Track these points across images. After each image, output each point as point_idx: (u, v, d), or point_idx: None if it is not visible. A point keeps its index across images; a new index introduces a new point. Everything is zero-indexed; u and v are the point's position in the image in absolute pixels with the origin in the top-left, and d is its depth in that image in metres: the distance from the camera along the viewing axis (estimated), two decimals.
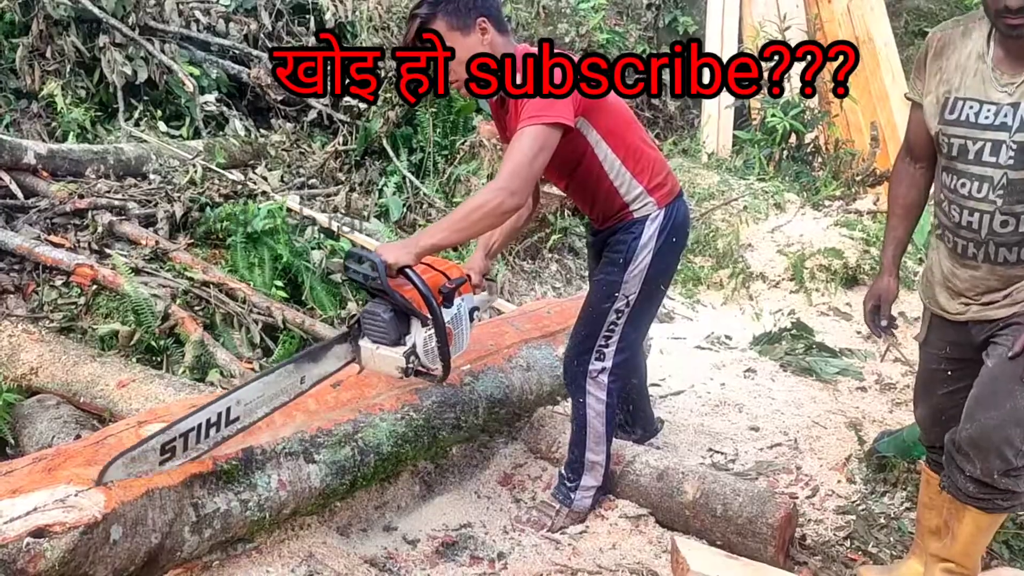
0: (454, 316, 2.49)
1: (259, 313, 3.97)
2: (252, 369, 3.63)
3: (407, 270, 2.30)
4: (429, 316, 2.36)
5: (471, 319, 2.62)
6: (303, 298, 4.31)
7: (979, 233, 2.10)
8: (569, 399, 2.88)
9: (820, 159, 7.04)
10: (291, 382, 2.31)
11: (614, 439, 2.86)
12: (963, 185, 2.10)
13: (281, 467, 2.31)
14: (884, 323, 2.41)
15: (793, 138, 6.93)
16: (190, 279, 3.98)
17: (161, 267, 4.04)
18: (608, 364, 2.67)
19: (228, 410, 2.17)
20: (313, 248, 4.45)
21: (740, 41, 7.71)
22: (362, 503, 2.75)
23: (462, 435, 2.92)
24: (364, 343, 2.43)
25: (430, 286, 2.36)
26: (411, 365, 2.37)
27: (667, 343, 4.56)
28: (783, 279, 5.35)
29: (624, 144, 2.53)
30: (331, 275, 4.45)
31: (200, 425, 2.12)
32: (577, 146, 2.47)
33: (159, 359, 3.58)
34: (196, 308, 3.89)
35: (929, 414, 2.41)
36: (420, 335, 2.39)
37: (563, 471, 2.84)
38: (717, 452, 3.37)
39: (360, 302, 4.41)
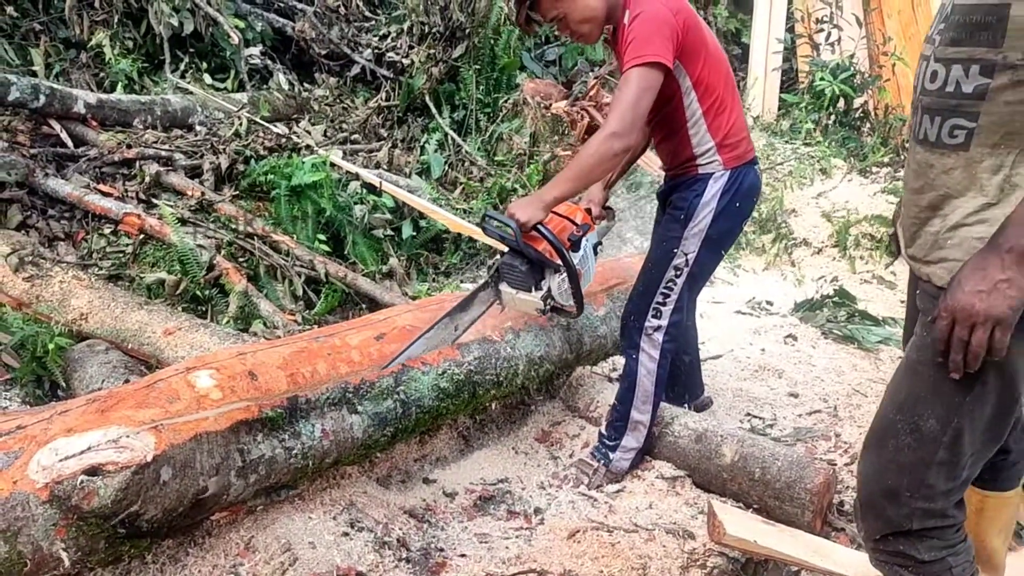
0: (582, 257, 2.64)
1: (302, 266, 4.01)
2: (295, 321, 3.68)
3: (539, 226, 2.47)
4: (562, 264, 2.55)
5: (595, 253, 2.80)
6: (345, 252, 4.34)
7: (915, 93, 1.61)
8: (617, 358, 2.90)
9: (869, 124, 6.88)
10: (448, 332, 2.67)
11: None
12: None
13: (325, 417, 2.34)
14: None
15: (841, 102, 6.77)
16: (235, 230, 4.02)
17: (206, 218, 4.08)
18: (664, 323, 2.67)
19: (404, 367, 2.52)
20: (355, 203, 4.47)
21: (790, 1, 7.51)
22: (402, 455, 2.79)
23: (502, 391, 2.93)
24: (504, 288, 2.65)
25: (559, 236, 2.55)
26: (548, 305, 2.59)
27: (708, 307, 4.52)
28: (827, 246, 5.27)
29: (712, 96, 2.53)
30: (372, 230, 4.47)
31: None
32: (669, 86, 2.47)
33: (204, 308, 3.64)
34: (240, 259, 3.94)
35: None
36: (555, 280, 2.59)
37: (603, 431, 2.85)
38: (755, 417, 3.35)
39: (401, 257, 4.42)
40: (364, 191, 4.58)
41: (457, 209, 4.87)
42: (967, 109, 1.46)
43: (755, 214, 5.49)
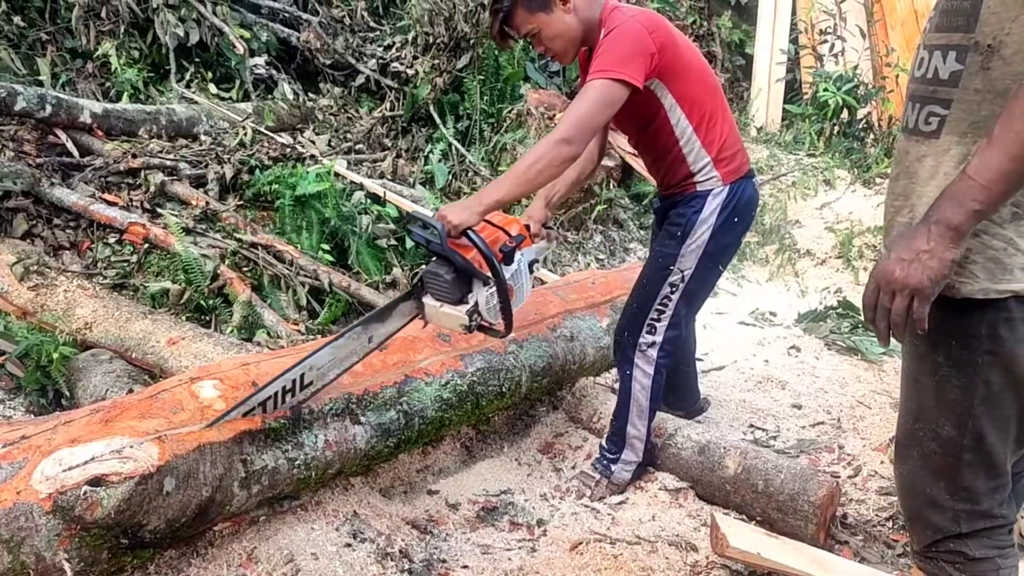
0: (515, 272, 2.50)
1: (306, 276, 4.01)
2: (298, 331, 3.68)
3: (469, 232, 2.31)
4: (491, 276, 2.39)
5: (531, 271, 2.63)
6: (349, 262, 4.34)
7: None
8: (615, 370, 2.88)
9: (872, 135, 6.89)
10: (359, 343, 2.37)
11: (657, 412, 2.87)
12: None
13: (328, 427, 2.34)
14: None
15: (845, 113, 6.78)
16: (239, 240, 4.03)
17: (211, 227, 4.09)
18: (658, 339, 2.66)
19: (302, 376, 2.25)
20: (360, 212, 4.48)
21: (794, 12, 7.53)
22: (405, 466, 2.79)
23: (505, 402, 2.93)
24: (428, 300, 2.46)
25: (491, 245, 2.39)
26: (474, 322, 2.40)
27: (711, 318, 4.52)
28: (830, 256, 5.27)
29: (700, 112, 2.49)
30: (377, 240, 4.48)
31: (276, 393, 2.19)
32: (650, 106, 2.45)
33: (208, 318, 3.65)
34: (244, 269, 3.94)
35: None
36: (482, 294, 2.41)
37: (604, 443, 2.85)
38: (759, 428, 3.35)
39: (405, 267, 4.43)
40: (368, 201, 4.59)
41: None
42: (941, 96, 1.46)
43: (759, 225, 5.49)
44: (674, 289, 2.60)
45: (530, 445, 3.08)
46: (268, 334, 3.53)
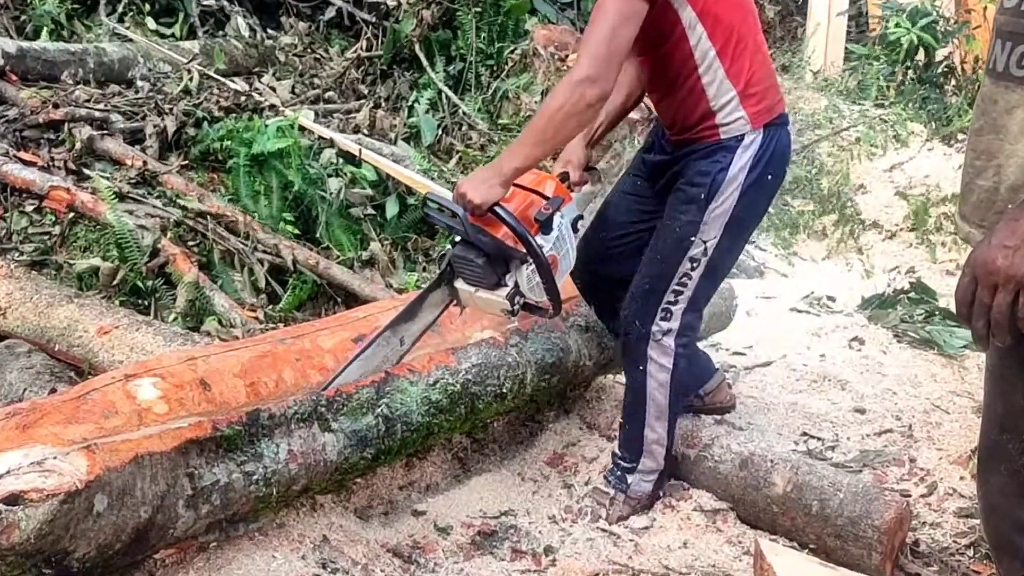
0: (556, 239, 2.54)
1: (265, 251, 4.02)
2: (255, 318, 3.69)
3: (496, 208, 2.37)
4: (527, 254, 2.45)
5: (575, 230, 2.68)
6: (317, 235, 4.35)
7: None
8: (624, 369, 2.87)
9: (954, 81, 6.86)
10: (390, 349, 2.55)
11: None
12: None
13: (292, 435, 2.35)
14: None
15: (921, 54, 6.74)
16: (183, 208, 4.03)
17: (150, 193, 4.09)
18: (675, 325, 2.65)
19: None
20: (330, 175, 4.48)
21: None
22: (385, 482, 2.80)
23: (505, 406, 2.94)
24: (461, 285, 2.55)
25: (523, 217, 2.45)
26: (517, 304, 2.50)
27: (756, 303, 4.52)
28: (901, 229, 5.26)
29: (727, 32, 2.45)
30: (350, 208, 4.48)
31: None
32: (666, 19, 2.40)
33: (146, 302, 3.66)
34: (190, 243, 3.95)
35: None
36: (522, 273, 2.48)
37: (617, 451, 2.86)
38: (813, 437, 3.36)
39: (385, 241, 4.43)
40: (340, 161, 4.58)
41: (453, 183, 4.88)
42: None
43: (815, 192, 5.48)
44: (695, 265, 2.58)
45: (536, 457, 3.09)
46: (219, 322, 3.54)
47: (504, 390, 2.87)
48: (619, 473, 2.83)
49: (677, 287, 2.62)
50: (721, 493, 2.85)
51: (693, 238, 2.57)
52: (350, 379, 2.46)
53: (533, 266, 2.47)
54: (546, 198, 2.53)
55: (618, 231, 2.84)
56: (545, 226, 2.49)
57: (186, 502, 2.12)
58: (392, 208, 4.61)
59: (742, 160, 2.51)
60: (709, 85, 2.48)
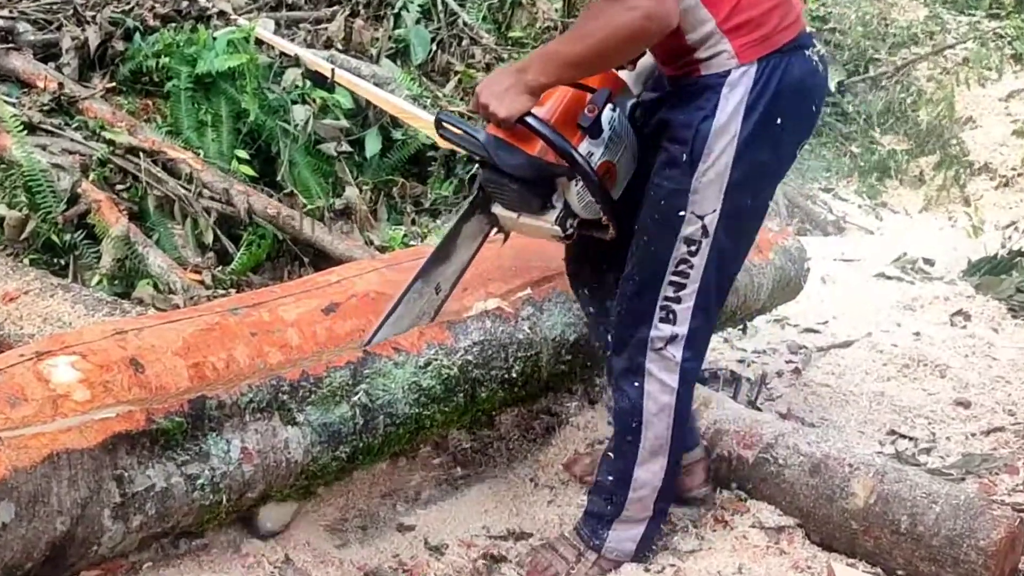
0: (608, 142, 2.51)
1: (213, 198, 4.01)
2: (200, 282, 3.68)
3: (527, 119, 2.38)
4: (571, 168, 2.46)
5: (635, 122, 2.63)
6: (278, 178, 4.33)
7: None
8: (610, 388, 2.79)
9: None
10: (426, 301, 2.66)
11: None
12: None
13: (246, 429, 2.35)
14: None
15: None
16: (110, 143, 4.01)
17: (67, 123, 4.08)
18: (682, 330, 2.53)
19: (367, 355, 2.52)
20: (294, 102, 4.45)
21: None
22: (364, 489, 2.81)
23: (515, 394, 2.94)
24: (500, 211, 2.60)
25: (564, 125, 2.43)
26: (570, 228, 2.53)
27: (834, 267, 4.51)
28: (1019, 174, 5.22)
29: None
30: (320, 145, 4.45)
31: None
32: None
33: (63, 261, 3.65)
34: (119, 187, 3.93)
35: None
36: (571, 191, 2.49)
37: (594, 494, 2.75)
38: (904, 436, 3.36)
39: (365, 186, 4.42)
40: (308, 85, 4.55)
41: (451, 112, 4.85)
42: None
43: (910, 126, 5.43)
44: (693, 248, 2.46)
45: (553, 459, 3.09)
46: (155, 287, 3.53)
47: (513, 374, 2.86)
48: (592, 524, 2.71)
49: (675, 278, 2.50)
50: (786, 506, 2.84)
51: (683, 212, 2.44)
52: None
53: (582, 183, 2.48)
54: (590, 90, 2.49)
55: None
56: (592, 130, 2.46)
57: (113, 512, 2.12)
58: (373, 144, 4.59)
59: (731, 103, 2.37)
60: (682, 14, 2.40)
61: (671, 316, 2.53)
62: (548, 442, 3.15)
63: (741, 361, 3.95)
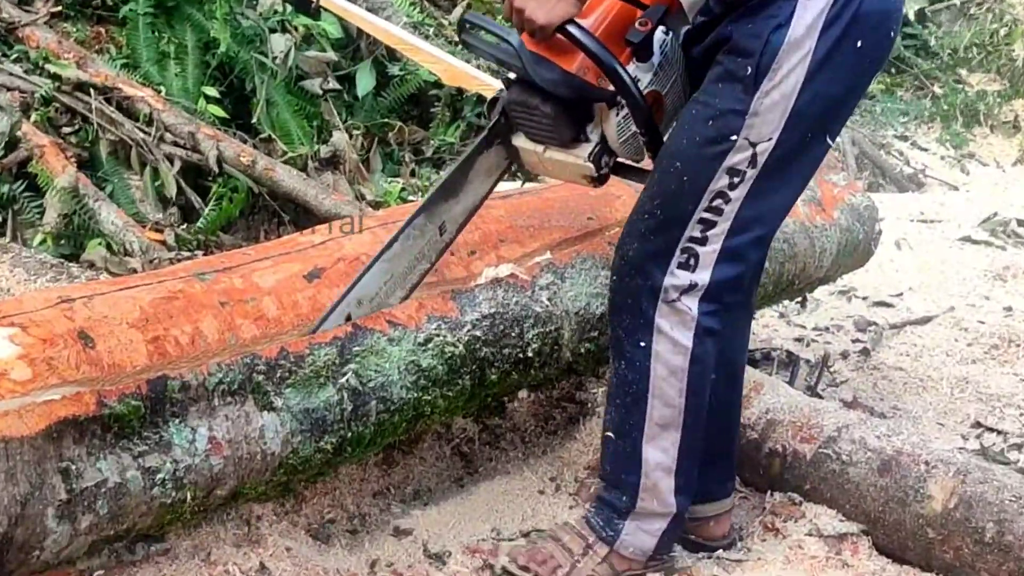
0: (659, 68, 2.52)
1: (176, 143, 4.01)
2: (161, 241, 3.70)
3: (569, 27, 2.37)
4: (616, 93, 2.45)
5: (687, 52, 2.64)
6: (253, 120, 4.33)
7: None
8: (610, 349, 2.75)
9: None
10: (427, 241, 2.64)
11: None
12: None
13: (215, 415, 2.35)
14: None
15: None
16: (55, 77, 4.02)
17: (5, 54, 4.08)
18: (701, 277, 2.50)
19: (349, 318, 2.49)
20: (272, 31, 4.45)
21: None
22: (353, 486, 2.82)
23: (530, 377, 2.95)
24: (522, 143, 2.60)
25: (610, 35, 2.43)
26: (605, 167, 2.54)
27: (911, 229, 4.50)
28: None
29: None
30: (303, 81, 4.46)
31: None
32: None
33: (1, 217, 3.66)
34: (66, 130, 3.94)
35: None
36: (610, 121, 2.50)
37: (601, 479, 2.76)
38: (991, 430, 3.36)
39: (356, 130, 4.41)
40: (288, 10, 4.55)
41: (459, 44, 4.84)
42: None
43: (1000, 60, 5.41)
44: (736, 179, 2.46)
45: (576, 456, 3.10)
46: (109, 247, 3.54)
47: (529, 354, 2.87)
48: (607, 513, 2.70)
49: (706, 214, 2.47)
50: (850, 510, 2.85)
51: (735, 137, 2.43)
52: (371, 288, 2.55)
53: (626, 110, 2.48)
54: (642, 6, 2.49)
55: None
56: (641, 49, 2.47)
57: (58, 511, 2.13)
58: (365, 81, 4.59)
59: (809, 13, 2.38)
60: None
61: (692, 261, 2.51)
62: (571, 435, 3.16)
63: (799, 340, 3.95)
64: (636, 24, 2.45)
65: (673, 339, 2.53)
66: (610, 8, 2.48)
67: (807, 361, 3.71)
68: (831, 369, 3.68)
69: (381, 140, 4.62)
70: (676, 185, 2.49)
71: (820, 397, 3.11)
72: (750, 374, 3.02)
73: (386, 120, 4.66)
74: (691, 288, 2.51)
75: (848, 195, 3.76)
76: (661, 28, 2.49)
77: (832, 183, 3.70)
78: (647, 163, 2.66)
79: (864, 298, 4.00)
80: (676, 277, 2.50)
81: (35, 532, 2.11)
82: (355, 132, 4.49)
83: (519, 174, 2.73)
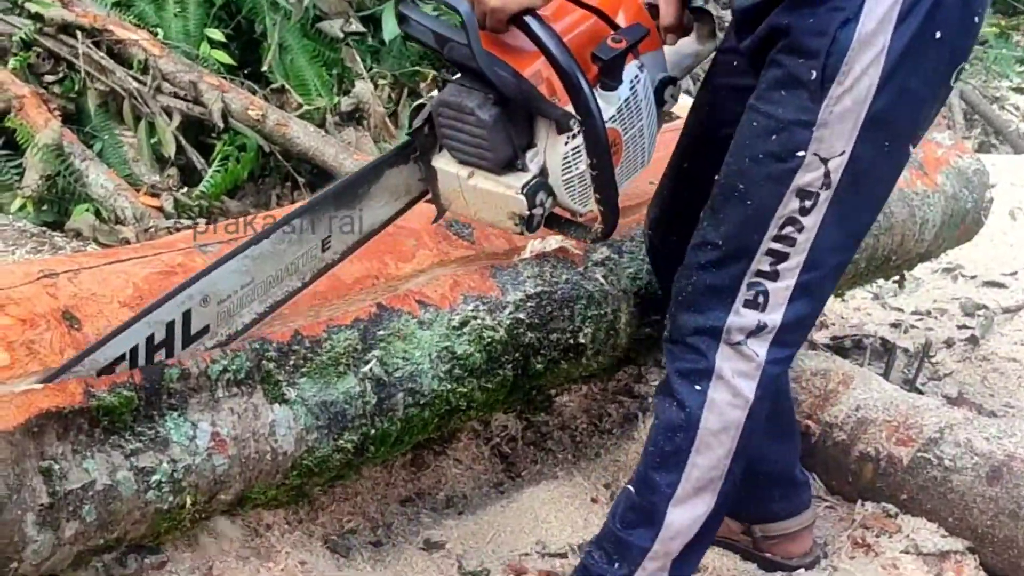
0: (625, 103, 2.49)
1: (176, 95, 4.03)
2: (158, 207, 3.72)
3: (527, 18, 2.31)
4: (572, 112, 2.39)
5: (660, 104, 2.61)
6: (264, 68, 4.35)
7: None
8: (656, 393, 2.70)
9: None
10: (304, 252, 2.45)
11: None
12: None
13: (219, 408, 2.37)
14: None
15: None
16: (36, 17, 4.04)
17: None
18: (773, 318, 2.46)
19: (187, 315, 2.31)
20: None
21: None
22: (377, 492, 2.84)
23: (580, 368, 2.96)
24: (443, 164, 2.49)
25: (577, 45, 2.37)
26: (539, 209, 2.44)
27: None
28: None
29: None
30: (320, 22, 4.47)
31: (136, 349, 2.25)
32: None
33: None
34: (49, 79, 3.97)
35: None
36: (557, 150, 2.43)
37: (611, 522, 2.67)
38: None
39: (382, 80, 4.43)
40: None
41: None
42: None
43: None
44: (808, 204, 2.40)
45: (634, 458, 3.09)
46: (98, 214, 3.57)
47: (580, 340, 2.87)
48: (605, 560, 2.63)
49: (776, 244, 2.42)
50: (954, 523, 2.85)
51: (802, 152, 2.37)
52: (223, 286, 2.36)
53: (579, 140, 2.41)
54: (614, 27, 2.47)
55: (714, 151, 2.62)
56: (610, 71, 2.43)
57: (40, 517, 2.15)
58: (391, 25, 4.60)
59: (879, 7, 2.33)
60: None
61: (761, 299, 2.46)
62: (628, 434, 3.17)
63: (896, 326, 3.95)
64: (608, 40, 2.41)
65: (734, 388, 2.49)
66: (581, 19, 2.46)
67: (905, 350, 3.70)
68: (933, 360, 3.67)
69: (411, 91, 4.62)
70: (739, 211, 2.45)
71: (920, 392, 3.10)
72: (838, 365, 3.01)
73: (417, 68, 4.67)
74: (759, 330, 2.47)
75: (954, 157, 3.73)
76: (635, 63, 2.48)
77: (936, 143, 3.67)
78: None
79: (972, 277, 3.99)
80: (741, 316, 2.47)
81: (13, 541, 2.12)
82: (381, 82, 4.50)
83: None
